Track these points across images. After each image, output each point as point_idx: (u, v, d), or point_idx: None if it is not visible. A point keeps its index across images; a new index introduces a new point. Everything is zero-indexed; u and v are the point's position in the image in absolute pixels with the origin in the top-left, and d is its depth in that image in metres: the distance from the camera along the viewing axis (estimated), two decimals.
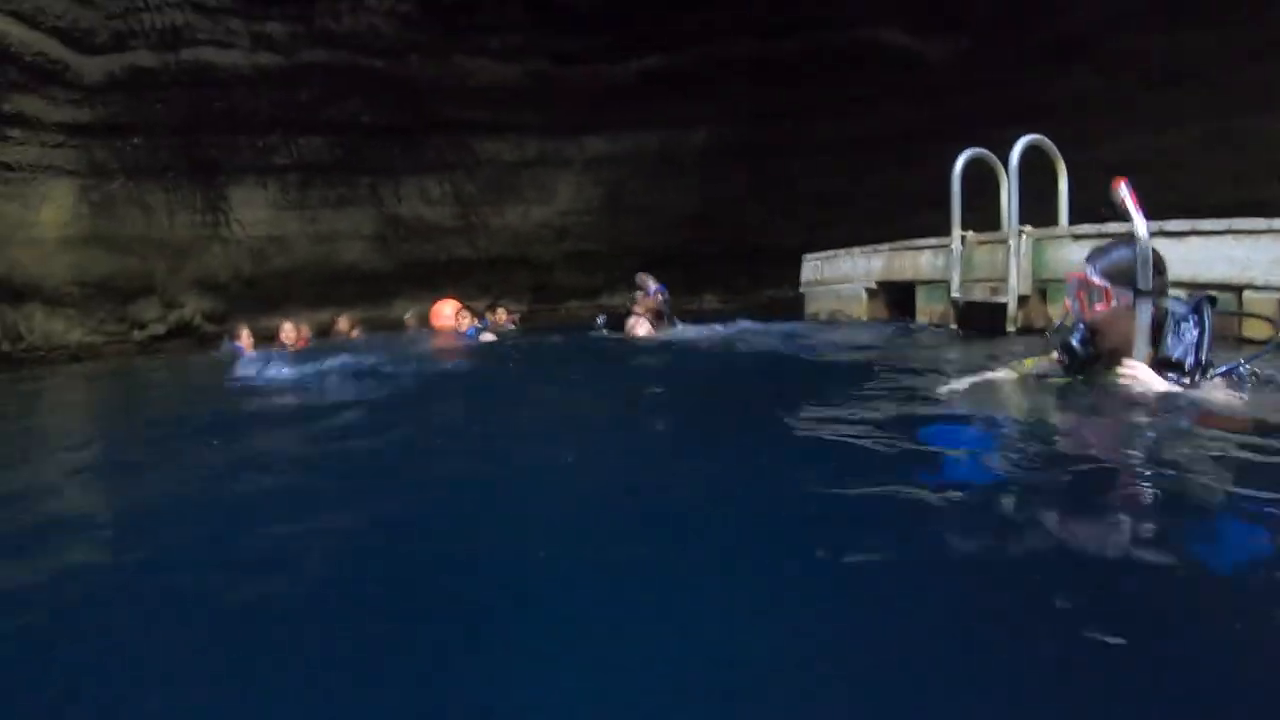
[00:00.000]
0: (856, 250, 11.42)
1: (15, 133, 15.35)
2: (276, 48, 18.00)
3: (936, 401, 3.90)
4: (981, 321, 8.21)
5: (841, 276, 11.78)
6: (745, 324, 10.67)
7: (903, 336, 8.61)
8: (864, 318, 10.84)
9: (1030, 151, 8.14)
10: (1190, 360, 3.17)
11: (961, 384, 4.04)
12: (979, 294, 8.57)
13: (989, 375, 4.03)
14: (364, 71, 18.78)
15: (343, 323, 16.72)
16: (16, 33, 14.54)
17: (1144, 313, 3.21)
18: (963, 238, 8.79)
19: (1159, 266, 3.29)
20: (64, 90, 15.86)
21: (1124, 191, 3.41)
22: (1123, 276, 3.25)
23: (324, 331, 16.05)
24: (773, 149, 20.15)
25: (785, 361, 7.29)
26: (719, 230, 21.18)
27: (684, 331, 9.81)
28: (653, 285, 10.12)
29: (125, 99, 16.82)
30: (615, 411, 5.16)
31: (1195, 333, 3.20)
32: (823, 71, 18.95)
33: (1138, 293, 3.22)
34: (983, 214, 8.57)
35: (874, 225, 16.47)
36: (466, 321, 13.58)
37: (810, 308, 12.48)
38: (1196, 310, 3.24)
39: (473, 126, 20.56)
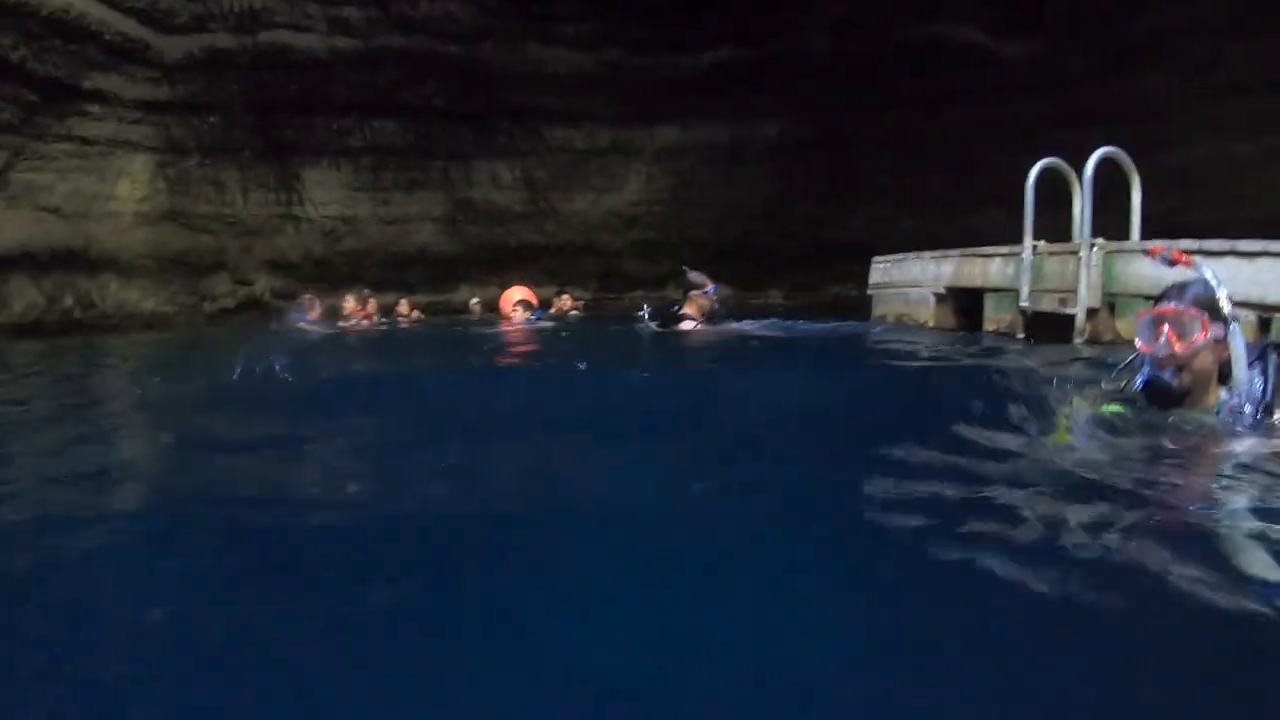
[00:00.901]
0: (926, 254, 11.26)
1: (94, 108, 15.73)
2: (353, 32, 18.11)
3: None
4: (1049, 332, 8.11)
5: (910, 280, 11.63)
6: (803, 324, 10.69)
7: (968, 347, 8.18)
8: (930, 323, 10.69)
9: (1101, 160, 7.96)
10: (1250, 407, 3.13)
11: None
12: (1047, 304, 8.42)
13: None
14: (439, 57, 18.77)
15: (403, 306, 16.89)
16: (96, 12, 14.86)
17: (1238, 339, 3.16)
18: (1034, 247, 8.64)
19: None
20: (143, 69, 16.20)
21: (1166, 256, 3.49)
22: (1210, 307, 3.18)
23: (385, 312, 16.25)
24: (842, 144, 19.52)
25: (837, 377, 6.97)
26: (786, 225, 20.66)
27: (740, 327, 9.80)
28: (709, 285, 9.83)
29: (203, 79, 17.12)
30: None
31: (1260, 380, 3.16)
32: (896, 68, 18.27)
33: (1225, 321, 3.17)
34: (1053, 222, 8.38)
35: (941, 223, 15.95)
36: (520, 314, 13.78)
37: (878, 310, 12.38)
38: (1262, 356, 3.20)
39: (545, 113, 20.40)
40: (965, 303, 10.29)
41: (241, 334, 14.43)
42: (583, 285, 21.05)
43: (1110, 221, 8.16)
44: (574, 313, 15.97)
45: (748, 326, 9.83)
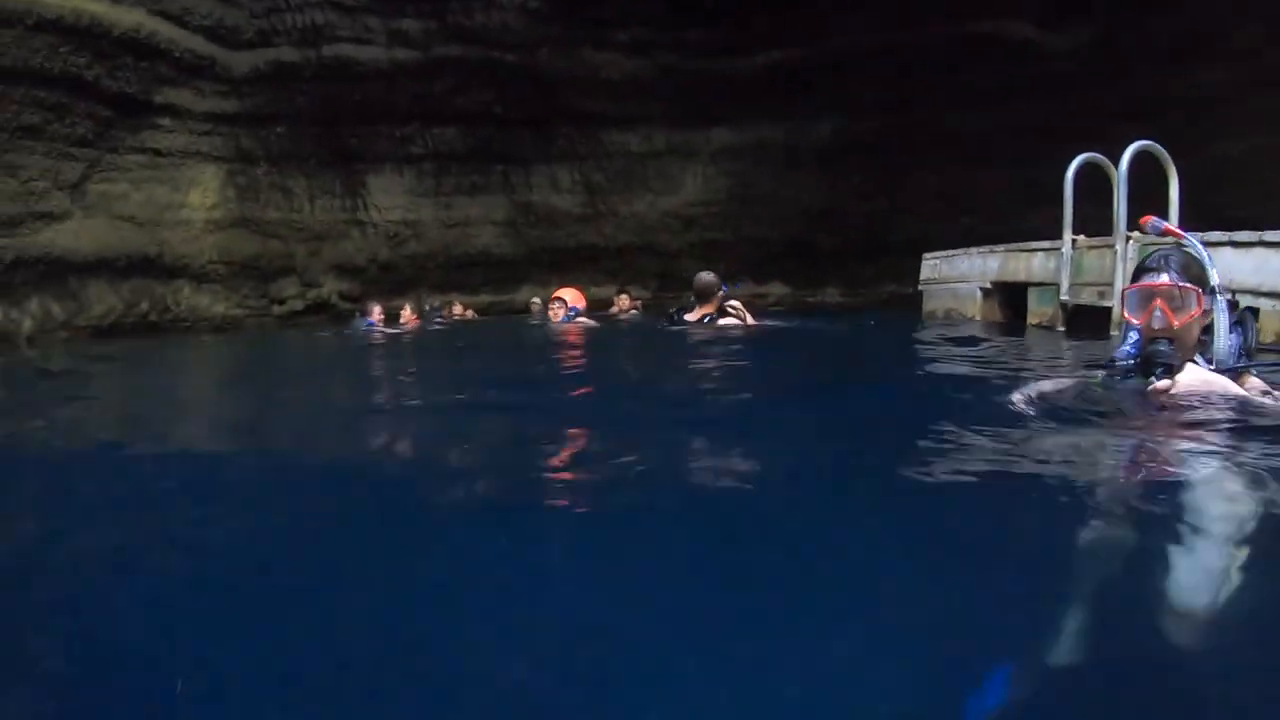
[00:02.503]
0: (974, 250, 11.33)
1: (165, 121, 16.34)
2: (412, 43, 18.45)
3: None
4: (1088, 325, 8.04)
5: (959, 276, 11.73)
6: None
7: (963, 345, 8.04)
8: (978, 317, 10.74)
9: (1146, 154, 7.83)
10: (1231, 364, 3.16)
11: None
12: (1087, 297, 8.40)
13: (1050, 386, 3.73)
14: (496, 65, 18.97)
15: (457, 307, 17.18)
16: (165, 31, 15.42)
17: (1223, 312, 3.16)
18: (1073, 241, 8.63)
19: None
20: (211, 83, 16.76)
21: (1158, 224, 3.59)
22: (1198, 280, 3.15)
23: (430, 314, 16.68)
24: (896, 142, 19.13)
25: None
26: (842, 223, 20.33)
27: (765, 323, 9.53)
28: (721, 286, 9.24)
29: (269, 91, 17.64)
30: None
31: (1238, 339, 3.21)
32: (946, 64, 17.84)
33: (1213, 293, 3.16)
34: (1105, 215, 8.10)
35: (996, 220, 15.51)
36: (560, 312, 13.90)
37: (928, 305, 12.47)
38: (1240, 321, 3.23)
39: (602, 118, 20.47)
40: (1010, 297, 10.29)
41: (320, 336, 14.76)
42: (642, 285, 21.06)
43: (1157, 215, 7.86)
44: (634, 313, 15.92)
45: (770, 323, 9.79)
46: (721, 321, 8.33)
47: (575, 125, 20.57)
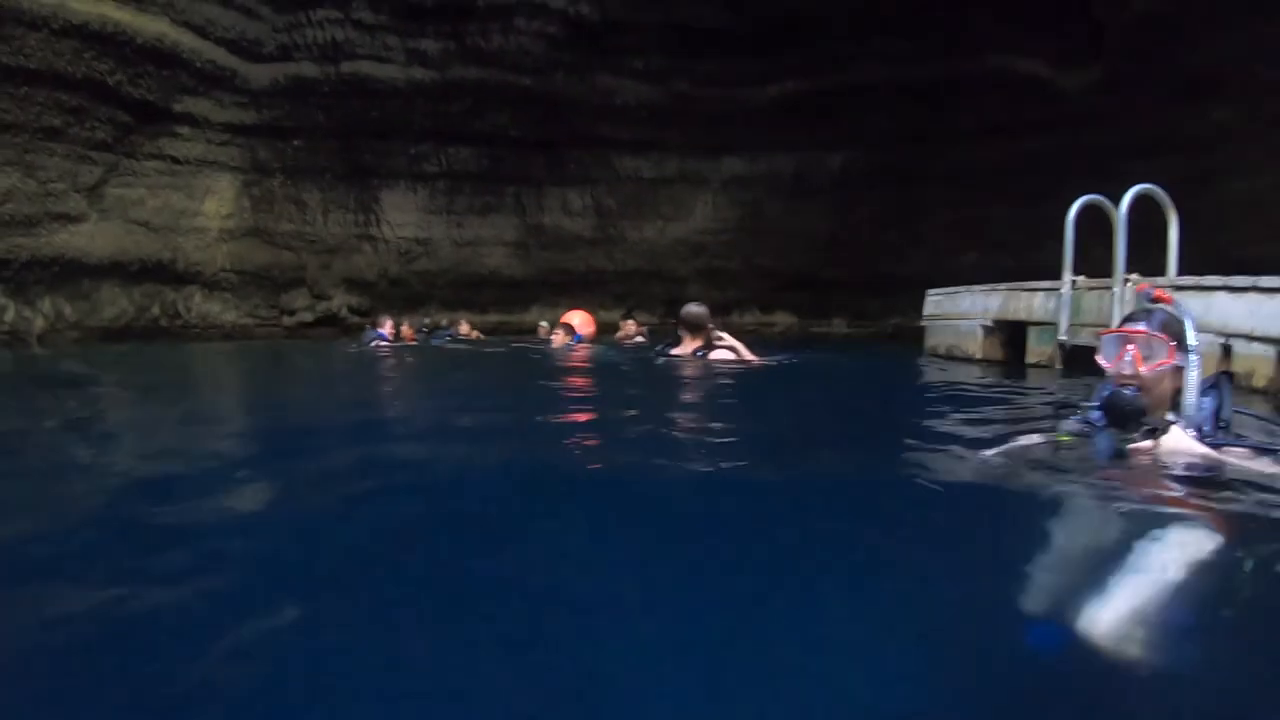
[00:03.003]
0: (976, 288, 11.33)
1: (184, 130, 16.51)
2: (430, 63, 18.66)
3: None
4: (1085, 365, 7.85)
5: (960, 313, 11.69)
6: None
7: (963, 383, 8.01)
8: (979, 355, 10.69)
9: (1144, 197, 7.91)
10: (1207, 427, 3.16)
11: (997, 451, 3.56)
12: (1085, 338, 8.32)
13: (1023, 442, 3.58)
14: (512, 88, 19.14)
15: (464, 326, 17.22)
16: (188, 41, 15.63)
17: (1194, 369, 3.17)
18: (1073, 282, 8.65)
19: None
20: (231, 94, 16.95)
21: (1149, 293, 3.48)
22: (1175, 335, 3.17)
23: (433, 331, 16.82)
24: (906, 175, 19.23)
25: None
26: (850, 255, 20.37)
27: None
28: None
29: (288, 104, 17.83)
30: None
31: (1212, 403, 3.22)
32: (958, 99, 17.96)
33: (1185, 350, 3.17)
34: (1108, 253, 8.08)
35: (1005, 255, 15.57)
36: (560, 338, 13.91)
37: (930, 341, 12.41)
38: (1215, 385, 3.28)
39: (614, 143, 20.64)
40: (1011, 335, 10.27)
41: (334, 347, 14.80)
42: (649, 311, 21.11)
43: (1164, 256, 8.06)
44: (639, 339, 15.80)
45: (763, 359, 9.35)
46: (713, 355, 7.88)
47: (588, 150, 20.74)
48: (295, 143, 18.33)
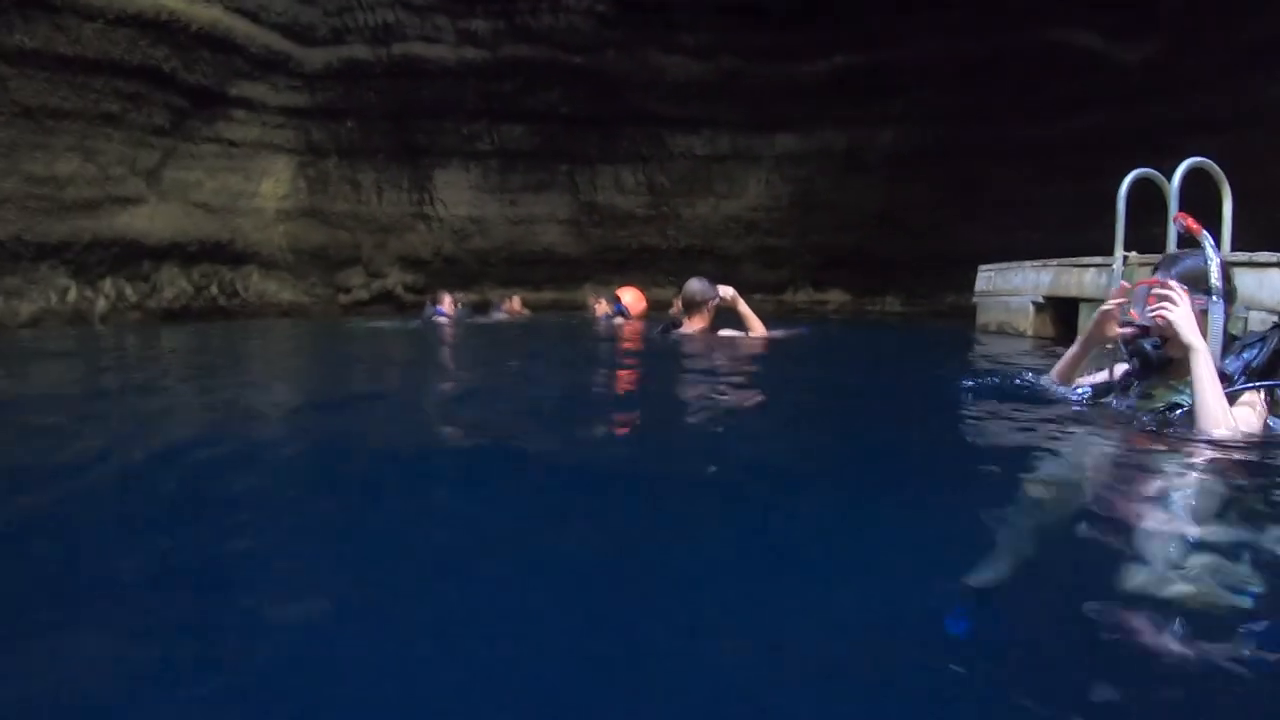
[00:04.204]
0: (1027, 264, 11.04)
1: (239, 114, 16.71)
2: (480, 43, 18.56)
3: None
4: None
5: (1012, 289, 11.44)
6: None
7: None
8: (1030, 332, 10.47)
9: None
10: (1239, 377, 3.06)
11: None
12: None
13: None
14: (562, 66, 18.93)
15: (516, 302, 17.30)
16: (242, 27, 15.77)
17: (1217, 317, 3.11)
18: (1124, 257, 8.17)
19: (1228, 281, 3.19)
20: (285, 78, 17.09)
21: (1182, 223, 3.56)
22: (1196, 283, 3.12)
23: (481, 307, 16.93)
24: (961, 151, 18.49)
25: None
26: (904, 232, 19.77)
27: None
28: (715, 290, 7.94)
29: (341, 87, 17.92)
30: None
31: (1256, 353, 3.10)
32: (1013, 74, 17.22)
33: (1210, 296, 3.12)
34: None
35: (1059, 232, 14.95)
36: (603, 308, 14.05)
37: (981, 318, 12.20)
38: (1263, 339, 3.13)
39: (667, 120, 20.27)
40: (1063, 312, 9.94)
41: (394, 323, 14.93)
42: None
43: (1210, 229, 7.54)
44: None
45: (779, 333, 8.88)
46: (721, 332, 7.42)
47: (640, 127, 20.45)
48: (349, 124, 18.45)
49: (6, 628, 1.56)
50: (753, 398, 4.68)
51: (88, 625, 1.57)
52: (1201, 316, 3.05)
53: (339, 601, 1.68)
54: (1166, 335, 3.07)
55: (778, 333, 8.13)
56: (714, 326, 7.54)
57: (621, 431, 3.80)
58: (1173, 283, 3.08)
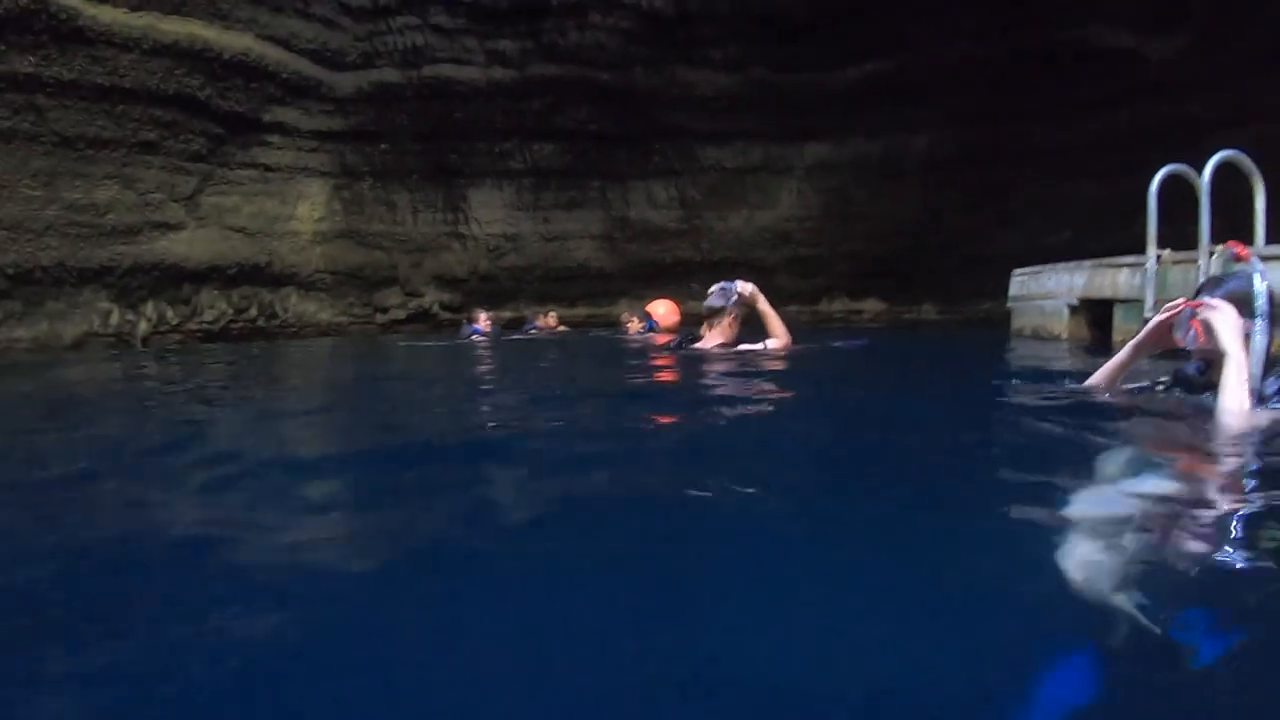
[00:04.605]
0: (1060, 266, 10.74)
1: (274, 139, 17.01)
2: (509, 63, 18.69)
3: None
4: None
5: (1046, 292, 11.12)
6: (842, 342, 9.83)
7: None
8: (1065, 336, 10.09)
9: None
10: (1277, 398, 2.97)
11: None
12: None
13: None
14: (591, 83, 18.92)
15: (551, 318, 17.36)
16: (274, 54, 16.07)
17: (1260, 338, 3.04)
18: (1158, 256, 8.06)
19: (1275, 304, 3.12)
20: (318, 102, 17.37)
21: (1230, 252, 3.67)
22: (1241, 305, 3.06)
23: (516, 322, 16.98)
24: (992, 155, 18.13)
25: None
26: (938, 239, 19.43)
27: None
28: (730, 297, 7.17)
29: (373, 110, 18.14)
30: None
31: None
32: (1042, 74, 16.87)
33: (1255, 319, 3.06)
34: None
35: (1096, 233, 14.59)
36: (636, 325, 14.05)
37: (1016, 323, 11.93)
38: None
39: (697, 134, 20.17)
40: (1098, 314, 9.66)
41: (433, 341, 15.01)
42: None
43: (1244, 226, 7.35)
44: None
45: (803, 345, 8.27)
46: (740, 346, 6.84)
47: (670, 141, 20.42)
48: (382, 146, 18.69)
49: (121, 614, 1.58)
50: (739, 424, 3.97)
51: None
52: (1245, 341, 2.99)
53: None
54: (1209, 357, 3.02)
55: (838, 343, 7.86)
56: (738, 338, 6.92)
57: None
58: (1217, 301, 3.03)
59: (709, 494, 2.39)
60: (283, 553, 1.98)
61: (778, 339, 6.87)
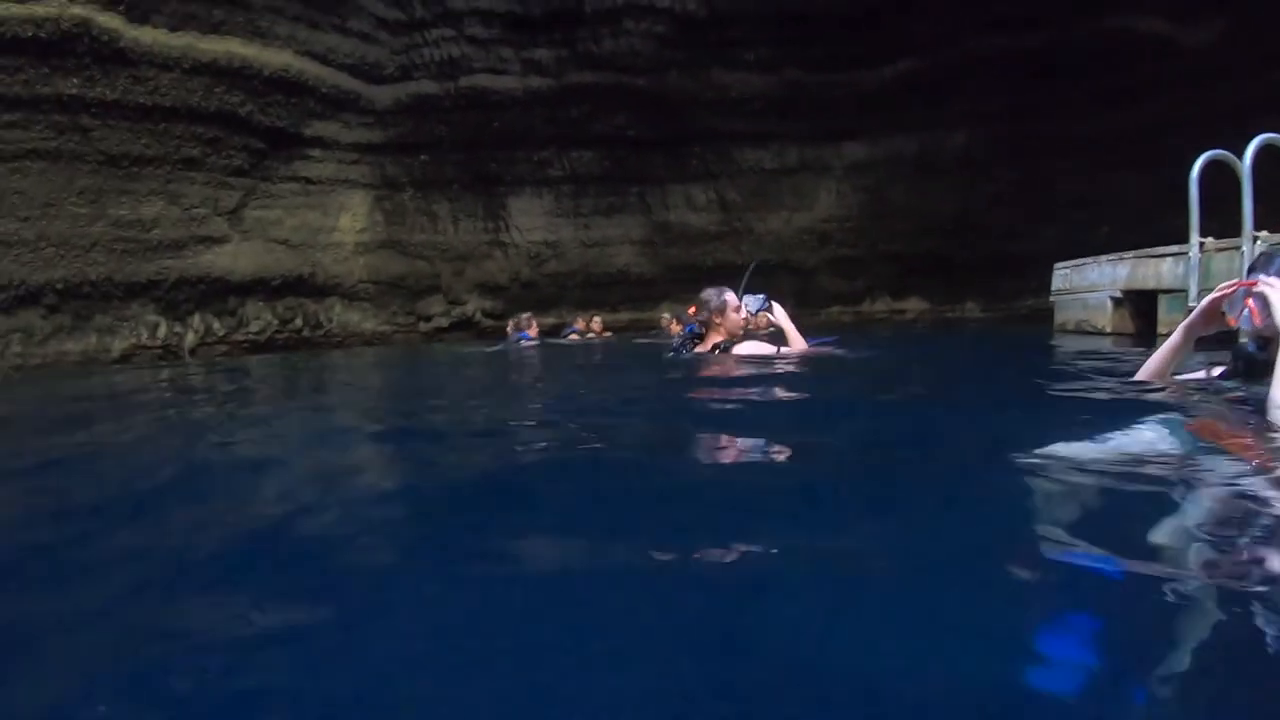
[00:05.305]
0: (1103, 258, 10.50)
1: (315, 152, 17.14)
2: (545, 71, 18.63)
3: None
4: (1219, 335, 7.00)
5: (1089, 285, 10.92)
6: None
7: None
8: (1109, 328, 9.89)
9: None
10: None
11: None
12: None
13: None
14: (627, 89, 18.73)
15: (596, 323, 17.29)
16: (313, 70, 16.19)
17: None
18: (1201, 244, 7.81)
19: None
20: (357, 115, 17.47)
21: None
22: None
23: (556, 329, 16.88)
24: (1031, 149, 17.53)
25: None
26: (980, 235, 18.86)
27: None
28: (747, 300, 6.82)
29: (412, 121, 18.19)
30: None
31: None
32: (1077, 65, 16.31)
33: None
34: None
35: (1138, 224, 14.08)
36: (676, 327, 14.00)
37: (1059, 317, 11.76)
38: None
39: (733, 136, 19.90)
40: (1142, 306, 9.44)
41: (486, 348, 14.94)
42: (779, 303, 20.50)
43: None
44: (770, 328, 15.18)
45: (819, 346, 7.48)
46: (738, 349, 6.19)
47: (707, 144, 20.17)
48: (422, 157, 18.75)
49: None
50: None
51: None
52: None
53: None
54: (1267, 334, 2.89)
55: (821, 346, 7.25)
56: (734, 340, 6.32)
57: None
58: (1272, 279, 2.90)
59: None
60: (345, 552, 2.00)
61: (792, 345, 6.65)
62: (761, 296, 6.98)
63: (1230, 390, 3.12)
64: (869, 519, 2.04)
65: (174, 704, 1.24)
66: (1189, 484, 2.09)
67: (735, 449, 3.23)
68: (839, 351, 7.82)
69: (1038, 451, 2.28)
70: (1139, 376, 3.49)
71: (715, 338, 6.37)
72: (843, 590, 1.55)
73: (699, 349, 6.48)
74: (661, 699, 1.17)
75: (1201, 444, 2.43)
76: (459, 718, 1.16)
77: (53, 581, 1.87)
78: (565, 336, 16.20)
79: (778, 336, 6.83)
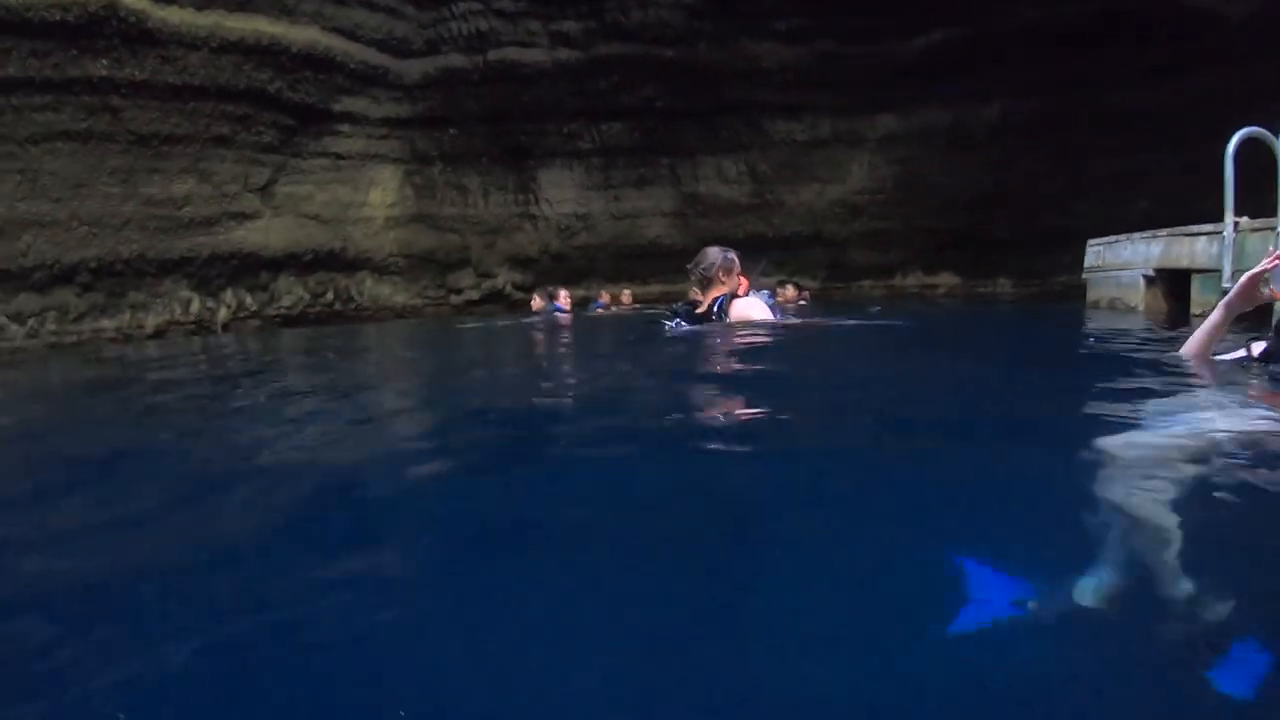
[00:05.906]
0: (1137, 236, 10.20)
1: (344, 128, 17.08)
2: (573, 44, 18.31)
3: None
4: (1252, 315, 6.87)
5: (1121, 263, 10.60)
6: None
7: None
8: (1141, 307, 9.59)
9: None
10: None
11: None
12: None
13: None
14: (656, 60, 18.33)
15: (626, 296, 17.25)
16: (340, 45, 16.08)
17: None
18: (1235, 224, 7.58)
19: None
20: (386, 90, 17.38)
21: None
22: None
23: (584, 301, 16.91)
24: (1067, 123, 16.84)
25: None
26: (1013, 210, 18.25)
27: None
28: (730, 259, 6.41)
29: (440, 95, 18.02)
30: None
31: None
32: (1114, 39, 15.67)
33: None
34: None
35: (1174, 202, 13.59)
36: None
37: (1092, 295, 11.38)
38: None
39: (765, 108, 19.44)
40: (1175, 285, 9.18)
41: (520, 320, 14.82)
42: (810, 276, 20.25)
43: None
44: (801, 303, 14.86)
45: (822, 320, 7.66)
46: (735, 315, 5.78)
47: (739, 116, 19.72)
48: (451, 131, 18.62)
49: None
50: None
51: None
52: None
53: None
54: None
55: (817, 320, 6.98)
56: (728, 300, 6.06)
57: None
58: None
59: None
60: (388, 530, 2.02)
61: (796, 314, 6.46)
62: (766, 293, 7.08)
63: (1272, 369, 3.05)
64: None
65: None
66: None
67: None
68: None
69: (1106, 441, 2.10)
70: (1181, 354, 3.45)
71: (716, 292, 6.11)
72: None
73: (699, 310, 6.16)
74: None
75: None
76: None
77: (138, 542, 1.99)
78: (592, 310, 16.18)
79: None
